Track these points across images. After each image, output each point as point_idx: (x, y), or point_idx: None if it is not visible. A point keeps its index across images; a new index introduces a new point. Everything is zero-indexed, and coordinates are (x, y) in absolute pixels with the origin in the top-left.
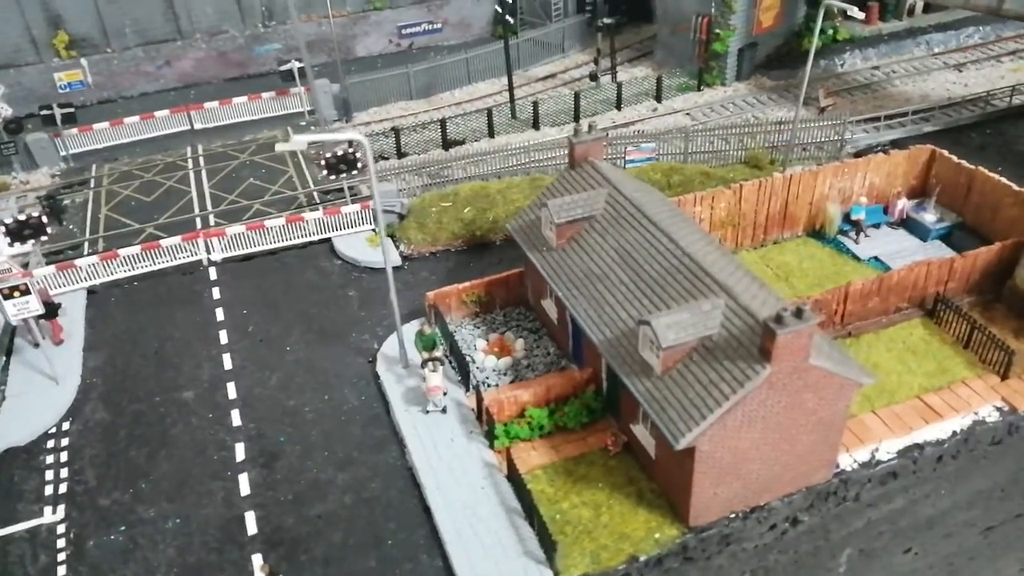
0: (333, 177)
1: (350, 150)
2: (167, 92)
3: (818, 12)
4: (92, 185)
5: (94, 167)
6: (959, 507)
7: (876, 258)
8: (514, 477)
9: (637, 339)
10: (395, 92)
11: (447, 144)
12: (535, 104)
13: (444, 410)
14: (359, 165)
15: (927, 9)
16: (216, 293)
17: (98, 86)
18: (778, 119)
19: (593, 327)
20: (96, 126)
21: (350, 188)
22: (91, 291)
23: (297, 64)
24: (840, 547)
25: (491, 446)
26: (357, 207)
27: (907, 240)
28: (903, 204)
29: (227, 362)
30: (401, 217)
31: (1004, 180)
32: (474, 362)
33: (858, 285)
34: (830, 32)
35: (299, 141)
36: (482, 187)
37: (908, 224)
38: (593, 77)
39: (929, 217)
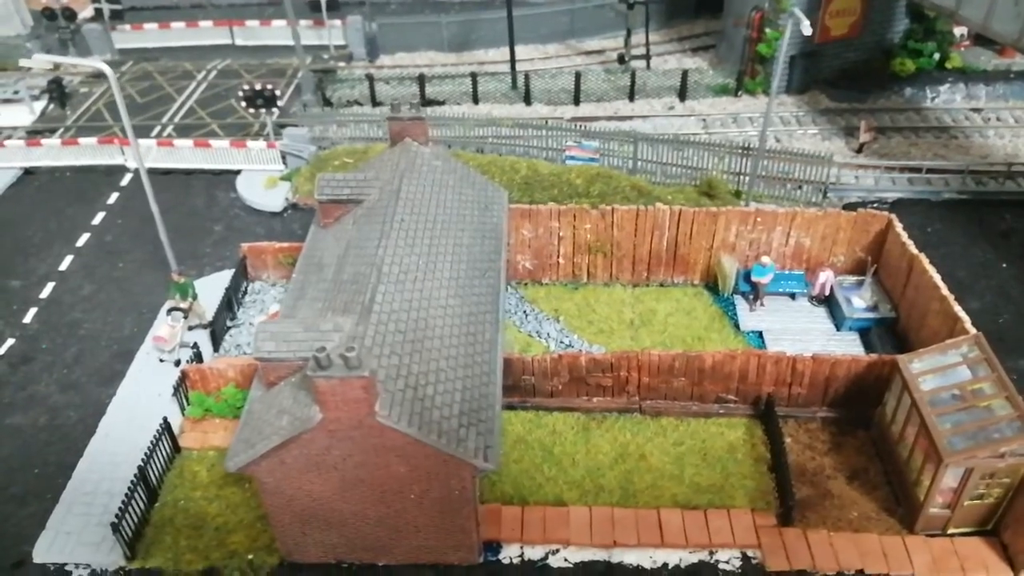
0: (251, 110)
1: (269, 86)
2: (240, 6)
3: (920, 29)
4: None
5: (130, 63)
6: None
7: (759, 333)
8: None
9: None
10: (425, 41)
11: (426, 102)
12: (526, 76)
13: (178, 363)
14: (279, 103)
15: None
16: (113, 198)
17: None
18: (795, 149)
19: (283, 317)
20: (147, 26)
21: (279, 126)
22: (28, 171)
23: None
24: None
25: (183, 413)
26: (263, 145)
27: (819, 323)
28: (826, 278)
29: (65, 263)
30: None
31: (937, 278)
32: (252, 325)
33: (654, 356)
34: (935, 56)
35: (40, 60)
36: None
37: (833, 304)
38: (621, 60)
39: (857, 302)
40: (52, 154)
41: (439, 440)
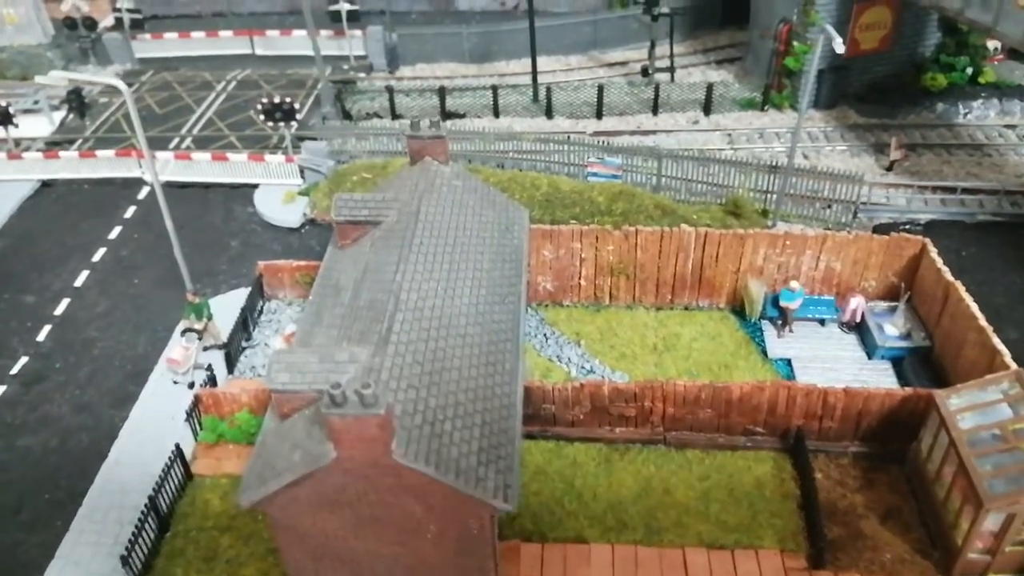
0: (270, 124)
1: (287, 99)
2: (261, 15)
3: (952, 43)
4: (132, 89)
5: (149, 73)
6: None
7: (787, 361)
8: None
9: None
10: (446, 52)
11: (446, 115)
12: (548, 89)
13: (191, 385)
14: (297, 116)
15: None
16: (130, 212)
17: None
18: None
19: (299, 344)
20: (167, 35)
21: (299, 139)
22: (46, 183)
23: (347, 6)
24: None
25: (195, 438)
26: (281, 158)
27: (849, 351)
28: (858, 304)
29: (80, 279)
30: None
31: (974, 307)
32: (267, 346)
33: (680, 386)
34: (968, 70)
35: (56, 77)
36: None
37: (864, 331)
38: (645, 72)
39: (890, 330)
40: (70, 166)
41: (457, 480)
